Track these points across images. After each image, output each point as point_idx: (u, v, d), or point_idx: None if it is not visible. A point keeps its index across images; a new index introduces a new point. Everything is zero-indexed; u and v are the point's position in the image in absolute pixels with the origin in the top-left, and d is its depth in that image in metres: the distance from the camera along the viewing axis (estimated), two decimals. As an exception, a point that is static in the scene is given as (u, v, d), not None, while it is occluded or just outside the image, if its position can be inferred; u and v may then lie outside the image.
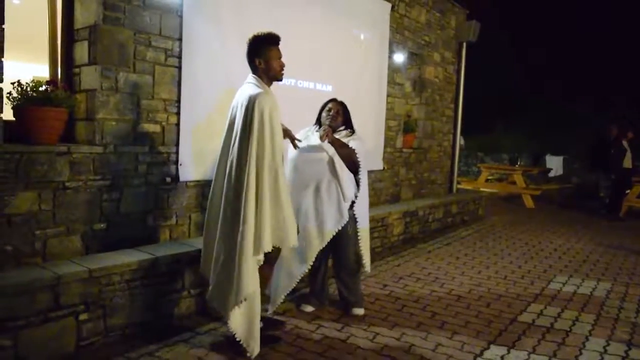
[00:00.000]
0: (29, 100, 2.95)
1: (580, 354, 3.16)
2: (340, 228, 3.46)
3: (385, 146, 6.30)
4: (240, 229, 2.70)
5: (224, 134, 2.96)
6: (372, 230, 3.79)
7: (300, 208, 3.43)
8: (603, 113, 13.83)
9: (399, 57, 6.50)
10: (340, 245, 3.55)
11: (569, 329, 3.55)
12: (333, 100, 3.68)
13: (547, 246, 6.37)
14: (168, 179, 3.69)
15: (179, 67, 3.68)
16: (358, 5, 5.56)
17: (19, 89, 2.94)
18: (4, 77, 2.76)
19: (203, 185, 3.88)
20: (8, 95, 2.91)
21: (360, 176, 3.56)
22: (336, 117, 3.59)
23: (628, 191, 9.50)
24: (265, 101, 2.75)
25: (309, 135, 3.59)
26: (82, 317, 2.80)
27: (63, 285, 2.71)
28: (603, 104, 15.10)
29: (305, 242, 3.40)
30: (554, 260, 5.62)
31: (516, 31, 17.50)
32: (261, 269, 2.85)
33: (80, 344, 2.80)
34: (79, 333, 2.79)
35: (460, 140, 8.62)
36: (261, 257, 2.77)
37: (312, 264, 3.46)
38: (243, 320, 2.81)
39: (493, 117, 17.79)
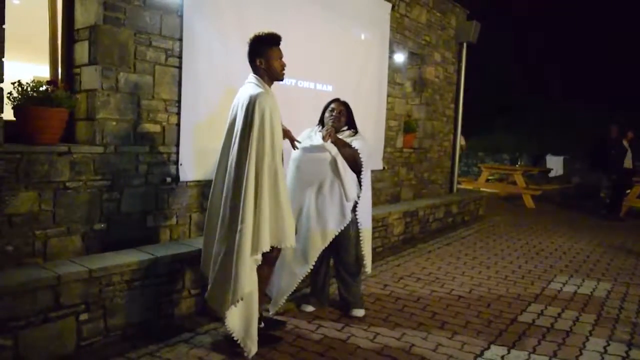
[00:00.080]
0: (29, 100, 2.96)
1: (581, 354, 3.16)
2: (342, 228, 3.45)
3: (385, 146, 6.30)
4: (239, 228, 2.69)
5: (225, 134, 2.96)
6: (372, 230, 3.78)
7: (302, 208, 3.43)
8: (603, 113, 13.81)
9: (400, 57, 6.50)
10: (342, 246, 3.54)
11: (569, 329, 3.54)
12: (336, 100, 3.66)
13: (547, 246, 6.37)
14: (168, 179, 3.68)
15: (180, 67, 3.68)
16: (358, 5, 5.56)
17: (20, 89, 2.94)
18: (4, 77, 2.76)
19: (203, 186, 3.88)
20: (8, 95, 2.91)
21: (363, 176, 3.53)
22: (339, 117, 3.58)
23: (628, 191, 9.50)
24: (265, 101, 2.75)
25: (312, 136, 3.57)
26: (83, 317, 2.80)
27: (63, 285, 2.71)
28: (603, 104, 15.08)
29: (308, 242, 3.40)
30: (555, 260, 5.62)
31: (516, 31, 17.49)
32: (260, 269, 2.85)
33: (81, 344, 2.80)
34: (79, 333, 2.79)
35: (461, 140, 8.63)
36: (259, 257, 2.76)
37: (314, 264, 3.45)
38: (240, 320, 2.80)
39: (493, 117, 17.77)
